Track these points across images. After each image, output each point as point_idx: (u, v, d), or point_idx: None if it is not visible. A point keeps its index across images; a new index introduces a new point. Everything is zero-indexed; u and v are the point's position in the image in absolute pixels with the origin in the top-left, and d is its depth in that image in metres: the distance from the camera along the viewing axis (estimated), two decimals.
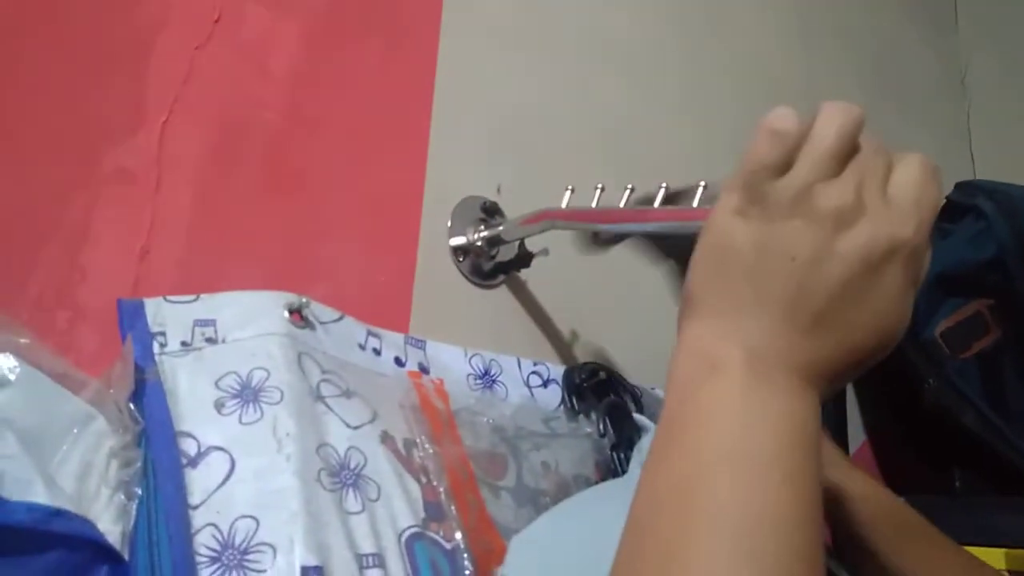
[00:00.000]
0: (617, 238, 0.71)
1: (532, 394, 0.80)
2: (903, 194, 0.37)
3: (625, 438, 0.76)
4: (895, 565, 0.62)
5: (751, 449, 0.34)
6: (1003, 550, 0.93)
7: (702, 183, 0.59)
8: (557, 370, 0.84)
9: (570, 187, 0.72)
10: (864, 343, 0.37)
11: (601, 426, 0.76)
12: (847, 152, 0.37)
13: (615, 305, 0.93)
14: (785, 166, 0.37)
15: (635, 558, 0.35)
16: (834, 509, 0.67)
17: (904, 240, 0.36)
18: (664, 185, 0.63)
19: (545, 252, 0.76)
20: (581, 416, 0.80)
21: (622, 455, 0.75)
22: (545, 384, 0.82)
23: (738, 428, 0.35)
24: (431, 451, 0.60)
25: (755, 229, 0.37)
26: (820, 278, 0.36)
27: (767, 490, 0.33)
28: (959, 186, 1.20)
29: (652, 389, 0.90)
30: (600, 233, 0.70)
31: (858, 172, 0.37)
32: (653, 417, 0.83)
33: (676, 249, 0.71)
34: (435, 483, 0.59)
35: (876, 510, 0.64)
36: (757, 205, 0.37)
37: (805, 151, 0.37)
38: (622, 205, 0.69)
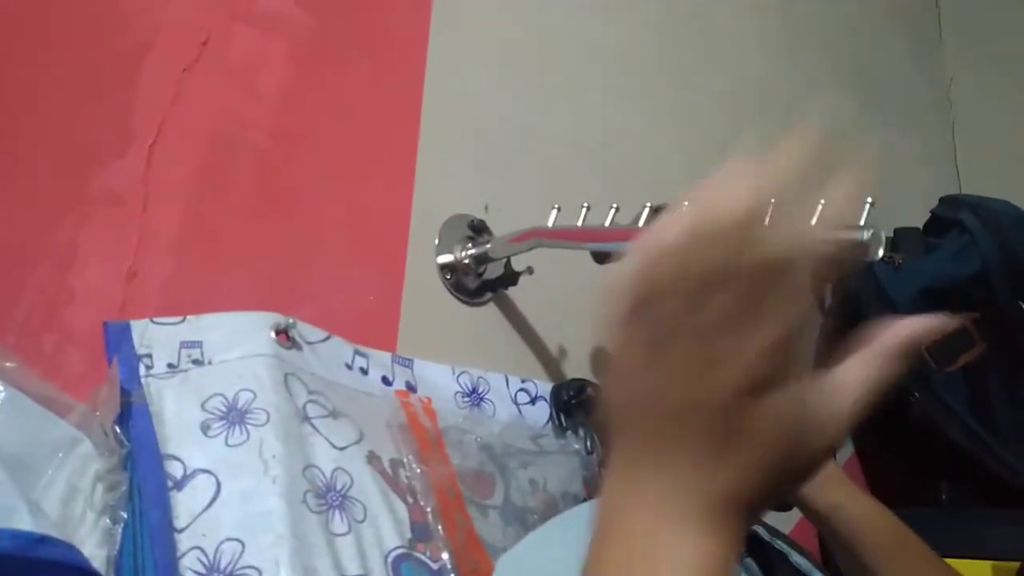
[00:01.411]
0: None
1: (520, 411, 0.80)
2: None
3: None
4: None
5: None
6: (990, 562, 0.94)
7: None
8: (545, 387, 0.84)
9: (556, 206, 0.72)
10: (781, 456, 0.32)
11: (588, 443, 0.76)
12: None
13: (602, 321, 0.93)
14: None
15: None
16: (827, 526, 0.67)
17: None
18: (648, 205, 0.64)
19: (530, 271, 0.77)
20: (569, 433, 0.81)
21: None
22: (533, 401, 0.82)
23: None
24: (418, 471, 0.61)
25: (639, 349, 0.33)
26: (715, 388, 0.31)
27: None
28: (944, 200, 1.21)
29: None
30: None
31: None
32: None
33: None
34: (422, 503, 0.59)
35: (868, 527, 0.65)
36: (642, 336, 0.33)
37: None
38: (606, 224, 0.69)
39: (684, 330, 0.31)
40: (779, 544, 0.73)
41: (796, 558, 0.72)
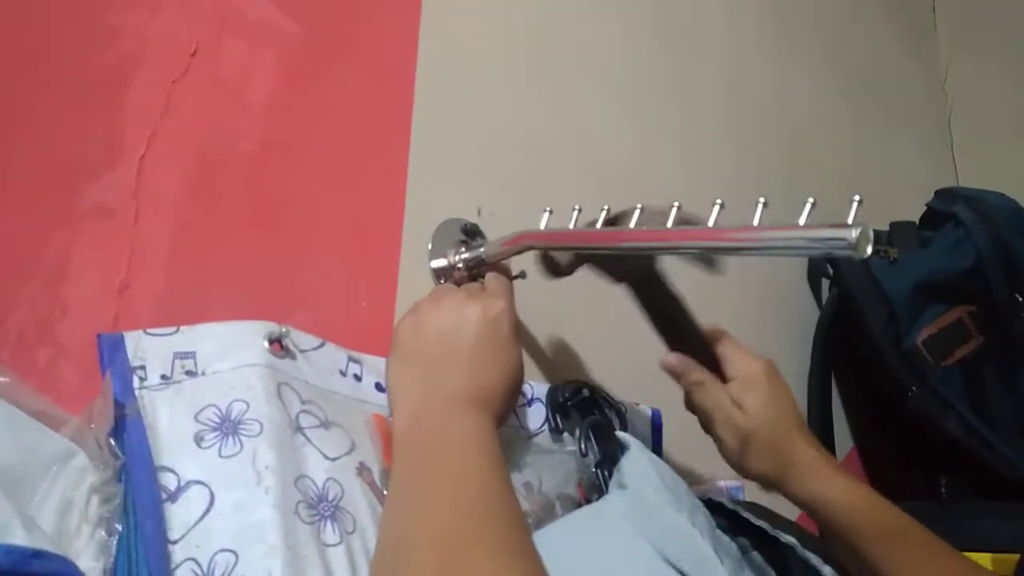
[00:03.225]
0: (579, 262, 0.73)
1: (515, 413, 0.80)
2: (491, 288, 0.68)
3: (608, 456, 0.77)
4: (885, 570, 0.63)
5: (428, 469, 0.52)
6: (989, 555, 0.94)
7: (675, 204, 0.60)
8: (541, 388, 0.84)
9: (548, 209, 0.73)
10: (498, 380, 0.60)
11: (582, 444, 0.77)
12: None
13: (598, 322, 0.93)
14: None
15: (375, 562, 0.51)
16: (813, 516, 0.68)
17: (501, 306, 0.63)
18: (640, 207, 0.65)
19: (523, 275, 0.77)
20: (565, 434, 0.81)
21: (606, 472, 0.75)
22: (529, 403, 0.82)
23: (419, 457, 0.53)
24: None
25: (413, 320, 0.64)
26: (462, 336, 0.60)
27: (440, 495, 0.49)
28: (939, 194, 1.21)
29: (636, 405, 0.91)
30: (561, 260, 0.73)
31: (464, 289, 0.67)
32: (637, 433, 0.84)
33: (629, 272, 0.73)
34: None
35: (850, 515, 0.65)
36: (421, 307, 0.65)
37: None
38: (598, 226, 0.70)
39: (440, 307, 0.63)
40: (785, 538, 0.73)
41: (802, 552, 0.71)
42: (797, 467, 0.69)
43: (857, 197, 0.46)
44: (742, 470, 0.73)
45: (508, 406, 0.61)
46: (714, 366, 0.76)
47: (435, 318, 0.62)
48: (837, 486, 0.67)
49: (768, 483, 0.71)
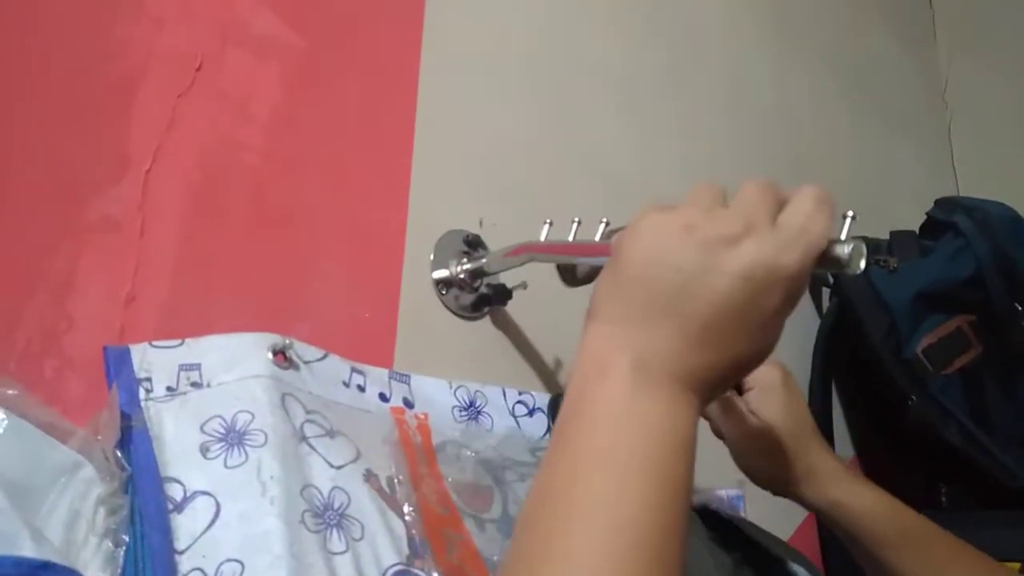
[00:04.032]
0: (596, 271, 0.73)
1: (518, 424, 0.81)
2: (790, 222, 0.41)
3: None
4: (903, 572, 0.63)
5: (624, 450, 0.38)
6: None
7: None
8: (543, 398, 0.85)
9: (548, 220, 0.73)
10: (742, 356, 0.42)
11: None
12: (723, 195, 0.44)
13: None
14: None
15: (521, 542, 0.39)
16: (831, 523, 0.68)
17: (785, 264, 0.40)
18: (604, 221, 0.65)
19: (523, 286, 0.77)
20: None
21: None
22: (531, 413, 0.83)
23: (617, 430, 0.39)
24: (408, 490, 0.61)
25: (649, 244, 0.42)
26: (705, 291, 0.40)
27: (634, 489, 0.37)
28: (939, 203, 1.22)
29: None
30: (577, 269, 0.72)
31: (750, 199, 0.42)
32: None
33: None
34: (409, 520, 0.60)
35: (868, 520, 0.65)
36: (654, 226, 0.43)
37: (693, 194, 0.44)
38: (597, 238, 0.70)
39: (699, 230, 0.41)
40: (775, 551, 0.73)
41: (791, 567, 0.72)
42: (816, 474, 0.68)
43: (851, 213, 0.46)
44: (756, 477, 0.73)
45: (723, 391, 0.48)
46: None
47: (691, 247, 0.41)
48: (857, 493, 0.67)
49: (783, 490, 0.71)
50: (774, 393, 0.71)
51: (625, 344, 0.41)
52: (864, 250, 0.47)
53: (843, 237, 0.46)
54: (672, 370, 0.40)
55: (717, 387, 0.43)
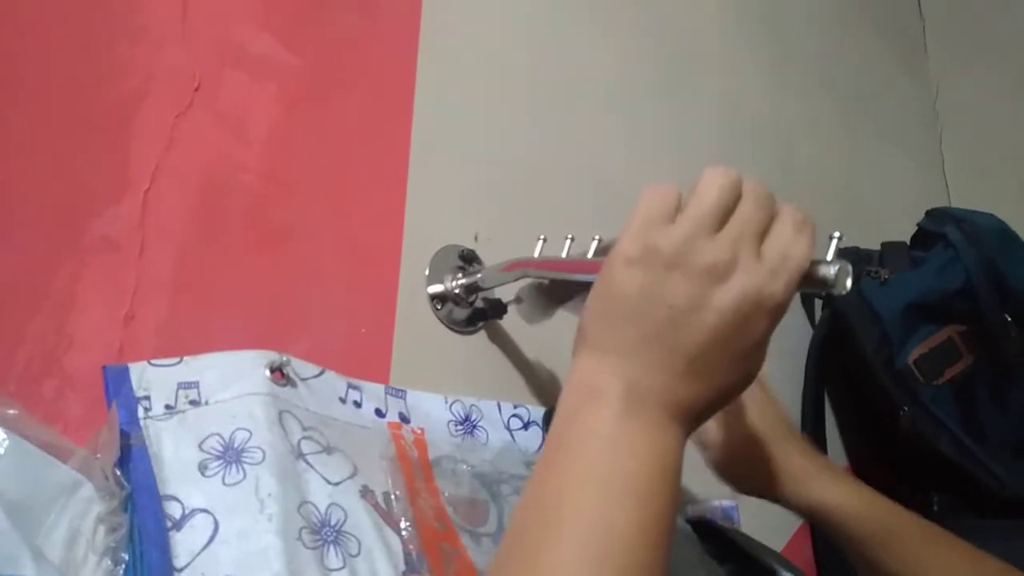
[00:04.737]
0: (561, 301, 0.74)
1: (513, 437, 0.82)
2: (773, 247, 0.42)
3: None
4: (895, 568, 0.64)
5: (614, 473, 0.40)
6: None
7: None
8: (538, 411, 0.85)
9: (542, 237, 0.74)
10: (728, 385, 0.43)
11: None
12: (727, 208, 0.42)
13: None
14: (670, 220, 0.43)
15: (507, 557, 0.40)
16: (816, 524, 0.68)
17: (771, 293, 0.41)
18: (597, 238, 0.66)
19: (518, 300, 0.78)
20: None
21: None
22: (526, 426, 0.84)
23: (607, 453, 0.40)
24: (405, 505, 0.62)
25: (639, 276, 0.43)
26: (694, 326, 0.41)
27: (623, 510, 0.39)
28: (930, 214, 1.23)
29: None
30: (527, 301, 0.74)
31: (736, 228, 0.42)
32: None
33: None
34: (406, 536, 0.61)
35: (851, 520, 0.65)
36: (643, 255, 0.43)
37: (688, 208, 0.43)
38: (590, 255, 0.71)
39: (687, 261, 0.41)
40: (767, 562, 0.74)
41: (785, 574, 0.73)
42: (793, 475, 0.68)
43: (837, 234, 0.47)
44: (739, 485, 0.73)
45: (709, 417, 0.47)
46: None
47: (679, 282, 0.41)
48: (838, 491, 0.66)
49: (767, 494, 0.70)
50: (747, 398, 0.71)
51: (619, 372, 0.42)
52: (850, 270, 0.47)
53: (829, 258, 0.47)
54: (662, 400, 0.42)
55: (703, 415, 0.44)
